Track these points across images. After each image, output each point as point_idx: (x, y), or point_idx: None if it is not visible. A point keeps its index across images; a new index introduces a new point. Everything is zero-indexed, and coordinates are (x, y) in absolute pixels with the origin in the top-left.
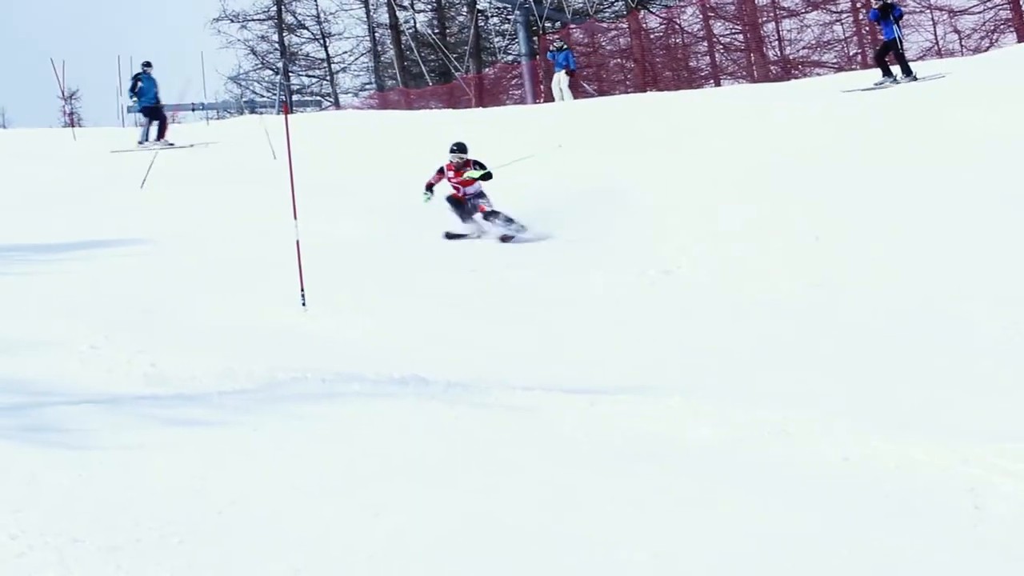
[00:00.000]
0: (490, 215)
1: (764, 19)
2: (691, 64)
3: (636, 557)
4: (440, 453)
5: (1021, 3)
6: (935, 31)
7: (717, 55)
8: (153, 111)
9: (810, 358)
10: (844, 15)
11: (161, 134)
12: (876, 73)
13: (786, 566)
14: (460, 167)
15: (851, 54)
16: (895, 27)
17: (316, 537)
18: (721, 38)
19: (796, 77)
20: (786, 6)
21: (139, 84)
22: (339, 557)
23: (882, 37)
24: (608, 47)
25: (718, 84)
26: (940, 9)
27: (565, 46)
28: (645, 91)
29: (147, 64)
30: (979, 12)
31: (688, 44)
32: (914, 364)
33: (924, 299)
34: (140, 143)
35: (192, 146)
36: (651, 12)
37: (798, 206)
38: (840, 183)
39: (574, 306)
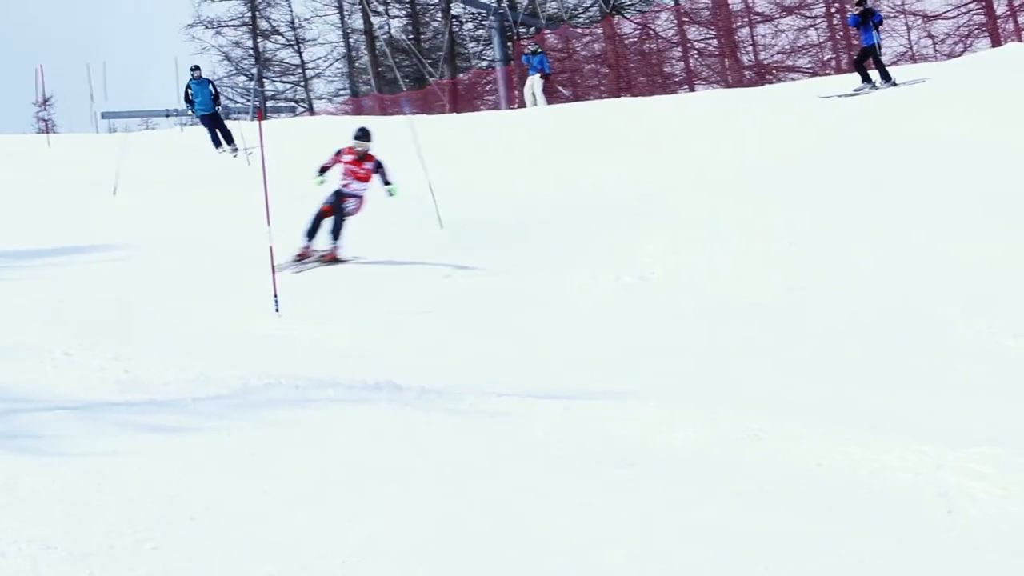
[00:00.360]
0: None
1: (738, 24)
2: (665, 69)
3: (611, 561)
4: (414, 459)
5: (995, 8)
6: (909, 36)
7: (691, 60)
8: (211, 118)
9: (785, 362)
10: (818, 20)
11: (229, 139)
12: (852, 78)
13: (759, 570)
14: (361, 157)
15: (825, 59)
16: (874, 33)
17: (290, 542)
18: (695, 43)
19: (770, 82)
20: (760, 11)
21: (189, 92)
22: (313, 562)
23: (861, 43)
24: (582, 52)
25: (692, 89)
26: (914, 14)
27: (540, 50)
28: (619, 96)
29: (194, 68)
30: (953, 17)
31: (662, 49)
32: (889, 368)
33: (900, 303)
34: (220, 152)
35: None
36: (625, 17)
37: (774, 210)
38: (817, 188)
39: (549, 310)
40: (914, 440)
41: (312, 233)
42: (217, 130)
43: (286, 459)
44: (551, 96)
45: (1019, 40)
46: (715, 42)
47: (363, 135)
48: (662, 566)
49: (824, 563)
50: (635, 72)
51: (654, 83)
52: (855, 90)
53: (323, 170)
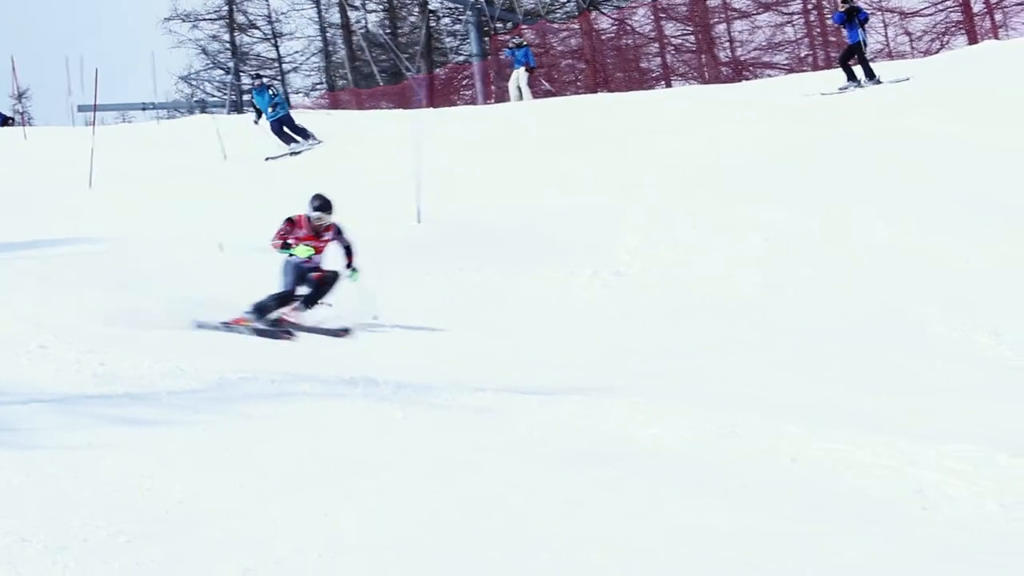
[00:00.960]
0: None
1: (715, 20)
2: (642, 65)
3: (587, 556)
4: (390, 453)
5: (972, 5)
6: (886, 33)
7: (668, 56)
8: (275, 124)
9: (761, 359)
10: (795, 17)
11: (304, 134)
12: (830, 75)
13: (736, 566)
14: (318, 231)
15: (802, 56)
16: (860, 31)
17: (265, 537)
18: (672, 39)
19: (747, 78)
20: (737, 7)
21: (254, 102)
22: (288, 557)
23: (846, 40)
24: (559, 48)
25: (669, 85)
26: (891, 11)
27: (524, 43)
28: (596, 92)
29: (255, 77)
30: (930, 14)
31: (639, 45)
32: (868, 366)
33: (878, 301)
34: (294, 153)
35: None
36: (602, 13)
37: (753, 208)
38: (797, 186)
39: (527, 308)
40: (891, 437)
41: (262, 312)
42: (286, 132)
43: (261, 453)
44: (535, 89)
45: (996, 38)
46: (692, 38)
47: (324, 206)
48: (645, 564)
49: (800, 558)
50: (612, 68)
51: (631, 79)
52: (840, 88)
53: (285, 245)
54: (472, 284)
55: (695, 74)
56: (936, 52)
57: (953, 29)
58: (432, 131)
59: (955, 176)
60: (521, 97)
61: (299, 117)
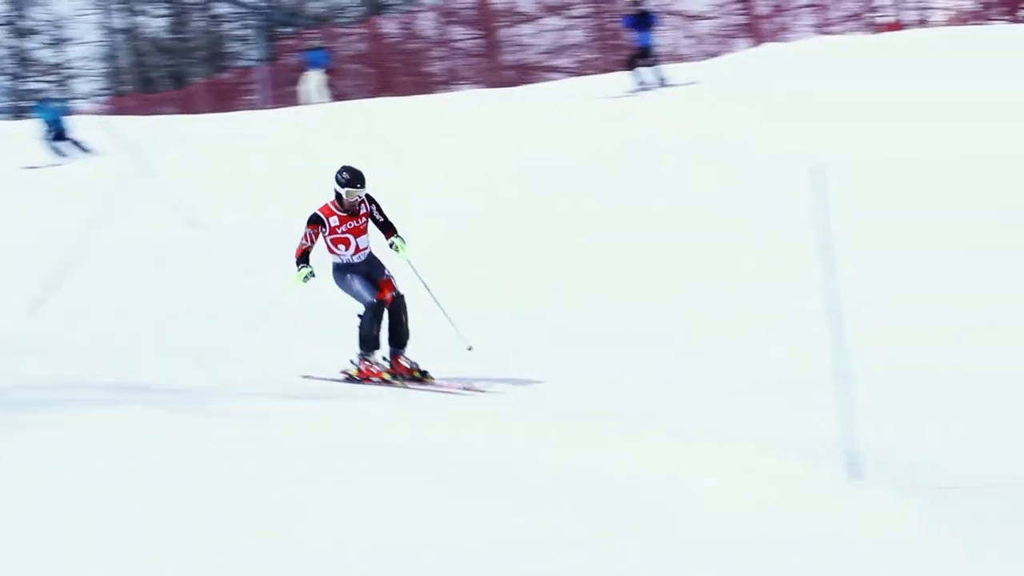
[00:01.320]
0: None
1: (500, 24)
2: (427, 69)
3: (354, 559)
4: (164, 461)
5: (755, 10)
6: (670, 36)
7: (454, 60)
8: (56, 133)
9: (530, 361)
10: (581, 20)
11: (79, 146)
12: (616, 78)
13: (508, 566)
14: (352, 209)
15: (587, 59)
16: (650, 33)
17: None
18: (458, 43)
19: (531, 82)
20: (523, 11)
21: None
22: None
23: (636, 43)
24: (345, 52)
25: (454, 89)
26: (675, 14)
27: (320, 45)
28: (381, 96)
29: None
30: (714, 18)
31: (425, 49)
32: (633, 365)
33: (652, 301)
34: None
35: None
36: (388, 17)
37: (528, 212)
38: (584, 189)
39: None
40: (655, 436)
41: (373, 342)
42: (60, 143)
43: (22, 464)
44: (332, 91)
45: (778, 41)
46: (478, 42)
47: (356, 178)
48: (412, 563)
49: (561, 560)
50: (397, 72)
51: (416, 83)
52: (629, 91)
53: (304, 257)
54: (247, 289)
55: (481, 78)
56: (719, 55)
57: (736, 32)
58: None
59: (744, 179)
60: (317, 99)
61: (79, 127)
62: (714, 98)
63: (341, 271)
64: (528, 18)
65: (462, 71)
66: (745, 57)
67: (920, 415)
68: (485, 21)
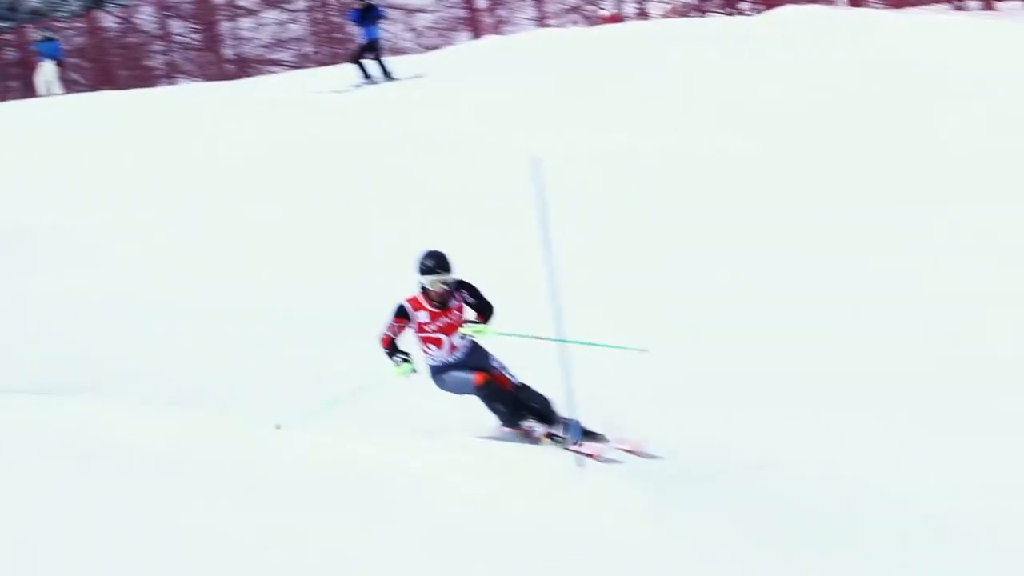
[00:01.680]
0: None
1: (220, 17)
2: (147, 63)
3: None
4: None
5: (474, 2)
6: (391, 29)
7: (173, 54)
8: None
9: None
10: (300, 14)
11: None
12: (337, 71)
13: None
14: (442, 301)
15: (306, 52)
16: (376, 28)
17: None
18: (178, 37)
19: (250, 75)
20: (243, 5)
21: None
22: None
23: (361, 38)
24: (66, 47)
25: (173, 82)
26: (395, 7)
27: (53, 37)
28: (99, 90)
29: None
30: (434, 11)
31: (144, 43)
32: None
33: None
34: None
35: None
36: (107, 12)
37: (251, 210)
38: (305, 188)
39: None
40: (385, 431)
41: (513, 415)
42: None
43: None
44: (67, 84)
45: (497, 33)
46: (197, 35)
47: (440, 264)
48: (130, 560)
49: (272, 553)
50: (117, 66)
51: (136, 77)
52: (355, 85)
53: (392, 347)
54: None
55: (200, 72)
56: (439, 47)
57: (457, 25)
58: None
59: (459, 174)
60: (50, 91)
61: None
62: (436, 92)
63: (438, 373)
64: (248, 11)
65: (182, 65)
66: (464, 50)
67: (634, 403)
68: (205, 15)
